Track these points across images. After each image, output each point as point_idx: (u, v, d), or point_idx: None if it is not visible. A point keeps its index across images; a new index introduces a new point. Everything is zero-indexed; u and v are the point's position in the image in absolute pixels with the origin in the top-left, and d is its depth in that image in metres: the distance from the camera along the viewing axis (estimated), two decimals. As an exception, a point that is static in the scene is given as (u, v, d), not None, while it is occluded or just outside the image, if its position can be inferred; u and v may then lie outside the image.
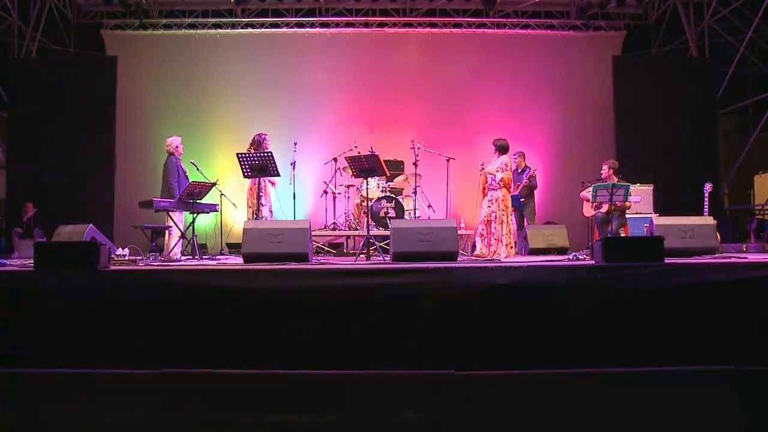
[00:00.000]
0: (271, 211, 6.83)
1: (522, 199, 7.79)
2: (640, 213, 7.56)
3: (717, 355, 3.65)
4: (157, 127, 9.20)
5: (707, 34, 10.01)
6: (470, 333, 3.80)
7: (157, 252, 5.89)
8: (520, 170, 7.92)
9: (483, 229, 6.10)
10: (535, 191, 7.97)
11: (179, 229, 6.15)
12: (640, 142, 9.38)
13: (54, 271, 3.87)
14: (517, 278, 3.90)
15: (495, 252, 5.95)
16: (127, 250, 5.10)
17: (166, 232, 6.35)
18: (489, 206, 6.09)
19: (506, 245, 6.00)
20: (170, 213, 6.12)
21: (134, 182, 9.03)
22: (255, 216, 6.36)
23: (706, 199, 7.03)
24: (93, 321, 3.74)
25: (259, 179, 6.22)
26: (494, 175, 6.14)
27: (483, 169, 6.27)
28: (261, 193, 6.46)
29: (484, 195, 6.21)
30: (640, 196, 6.95)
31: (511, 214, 6.25)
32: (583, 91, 9.93)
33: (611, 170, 6.92)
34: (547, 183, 9.40)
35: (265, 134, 6.80)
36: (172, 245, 6.17)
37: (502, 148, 6.25)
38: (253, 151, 6.51)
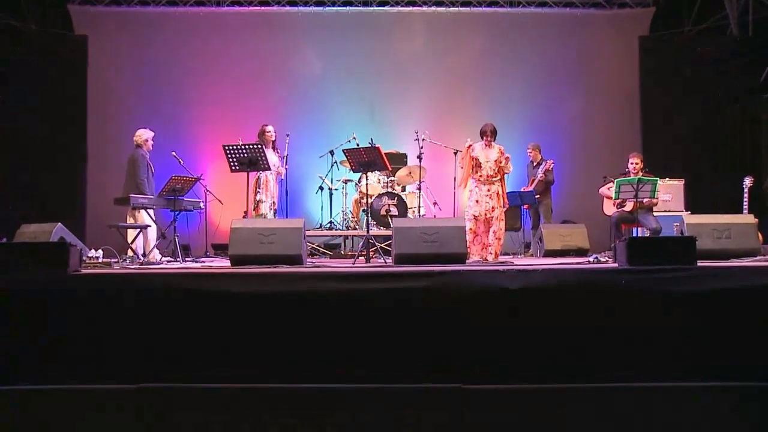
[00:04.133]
0: (273, 209, 6.85)
1: (537, 196, 7.77)
2: (670, 211, 7.53)
3: (757, 371, 3.62)
4: (134, 116, 9.11)
5: (751, 9, 9.47)
6: (480, 343, 3.80)
7: (134, 254, 5.89)
8: (535, 163, 7.90)
9: (478, 227, 5.94)
10: (552, 186, 7.95)
11: (159, 227, 6.14)
12: (670, 131, 9.30)
13: (17, 276, 3.81)
14: (531, 283, 3.88)
15: (496, 253, 5.92)
16: (100, 251, 5.08)
17: (143, 232, 6.34)
18: (490, 200, 6.01)
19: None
20: (148, 210, 6.10)
21: (108, 177, 8.87)
22: (252, 213, 6.39)
23: (746, 194, 6.98)
24: (61, 330, 3.72)
25: (258, 174, 6.22)
26: (508, 166, 6.03)
27: (471, 148, 6.06)
28: (259, 188, 6.47)
29: (466, 184, 6.07)
30: (671, 194, 6.91)
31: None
32: (605, 76, 9.86)
33: (642, 163, 6.87)
34: (565, 177, 9.34)
35: (267, 125, 6.87)
36: (150, 245, 6.14)
37: (494, 134, 6.06)
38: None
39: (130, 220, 6.31)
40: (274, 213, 7.11)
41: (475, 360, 3.76)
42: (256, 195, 6.73)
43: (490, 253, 5.93)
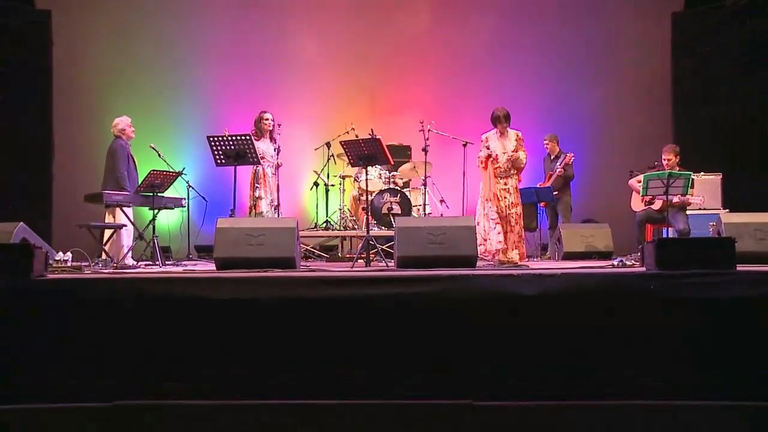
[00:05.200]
0: (273, 206, 6.83)
1: (555, 192, 7.74)
2: (705, 209, 7.50)
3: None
4: (107, 104, 9.04)
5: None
6: (492, 355, 3.80)
7: (108, 257, 5.86)
8: (553, 156, 7.87)
9: (493, 227, 5.90)
10: (572, 182, 7.92)
11: (136, 228, 6.12)
12: (706, 121, 9.18)
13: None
14: (549, 289, 3.87)
15: (523, 254, 5.87)
16: (69, 254, 5.05)
17: (117, 232, 6.31)
18: (507, 196, 5.97)
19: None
20: (124, 208, 6.07)
21: (78, 171, 8.87)
22: (250, 211, 6.39)
23: (793, 190, 6.94)
24: (25, 342, 3.69)
25: (256, 167, 6.20)
26: (518, 158, 5.94)
27: (487, 145, 6.02)
28: (258, 183, 6.46)
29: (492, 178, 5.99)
30: (702, 197, 6.84)
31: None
32: (632, 60, 9.75)
33: (678, 157, 6.81)
34: (586, 172, 9.30)
35: (266, 111, 6.86)
36: (125, 248, 6.15)
37: (507, 119, 5.97)
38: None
39: (109, 219, 6.26)
40: (277, 212, 7.08)
41: (487, 374, 3.76)
42: (254, 191, 6.70)
43: (512, 254, 5.87)
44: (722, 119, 9.02)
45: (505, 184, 5.96)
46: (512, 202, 5.94)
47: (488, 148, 5.99)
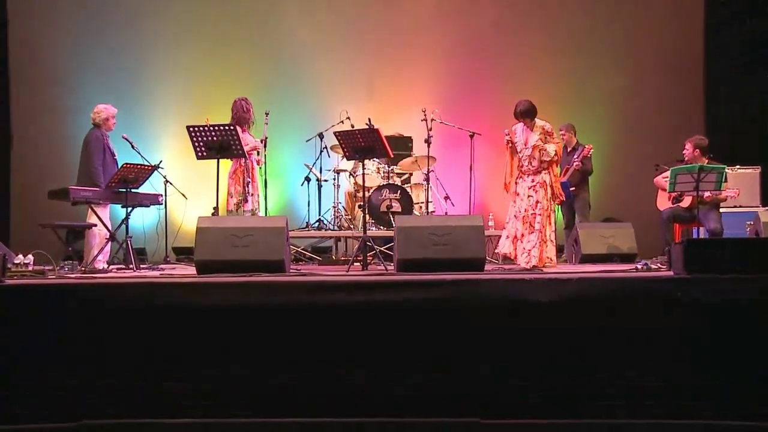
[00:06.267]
0: (258, 204, 6.84)
1: (572, 188, 7.72)
2: (741, 206, 7.49)
3: None
4: (73, 88, 9.06)
5: None
6: (501, 368, 3.81)
7: (75, 260, 5.83)
8: (569, 148, 7.85)
9: (517, 229, 5.93)
10: (590, 177, 7.91)
11: (107, 228, 6.09)
12: (742, 107, 9.17)
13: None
14: (565, 295, 3.88)
15: (547, 259, 5.85)
16: (30, 257, 5.04)
17: (87, 232, 6.29)
18: (532, 194, 5.96)
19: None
20: (94, 206, 6.05)
21: (40, 164, 8.87)
22: (236, 209, 6.43)
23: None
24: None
25: (246, 159, 6.26)
26: (545, 149, 5.93)
27: (511, 141, 6.06)
28: (248, 178, 6.45)
29: (508, 184, 6.07)
30: (738, 189, 6.83)
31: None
32: (658, 42, 9.74)
33: (697, 150, 6.81)
34: (607, 165, 9.30)
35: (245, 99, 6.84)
36: (95, 250, 6.11)
37: (530, 113, 6.01)
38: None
39: (92, 219, 6.21)
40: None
41: (495, 389, 3.77)
42: (244, 186, 6.68)
43: (535, 258, 5.80)
44: (761, 105, 8.98)
45: (533, 181, 5.96)
46: (537, 201, 5.91)
47: (509, 136, 6.07)
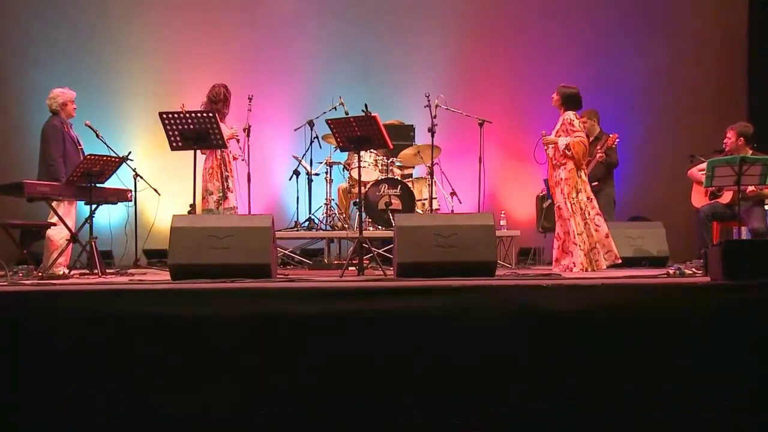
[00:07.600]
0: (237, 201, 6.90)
1: (594, 183, 7.71)
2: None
3: None
4: (31, 73, 9.06)
5: None
6: (514, 383, 3.82)
7: (31, 264, 5.83)
8: (592, 138, 7.85)
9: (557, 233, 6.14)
10: (616, 170, 7.92)
11: (68, 227, 6.10)
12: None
13: None
14: (586, 303, 3.89)
15: (566, 266, 5.93)
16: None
17: (47, 233, 6.28)
18: (556, 191, 6.14)
19: (584, 251, 5.97)
20: (54, 203, 6.04)
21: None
22: (217, 206, 6.48)
23: None
24: None
25: (222, 152, 6.22)
26: (552, 142, 6.12)
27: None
28: (227, 172, 6.47)
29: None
30: None
31: (591, 200, 6.18)
32: (695, 20, 9.78)
33: (741, 138, 6.82)
34: (634, 157, 9.34)
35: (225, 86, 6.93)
36: (55, 253, 6.11)
37: (569, 99, 6.19)
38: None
39: (53, 218, 6.20)
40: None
41: (505, 408, 3.78)
42: (223, 181, 6.69)
43: (563, 266, 5.98)
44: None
45: (556, 178, 6.15)
46: (557, 207, 6.12)
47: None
